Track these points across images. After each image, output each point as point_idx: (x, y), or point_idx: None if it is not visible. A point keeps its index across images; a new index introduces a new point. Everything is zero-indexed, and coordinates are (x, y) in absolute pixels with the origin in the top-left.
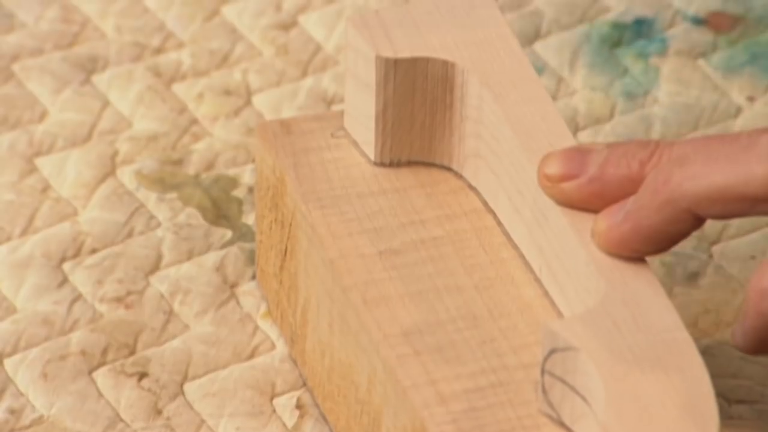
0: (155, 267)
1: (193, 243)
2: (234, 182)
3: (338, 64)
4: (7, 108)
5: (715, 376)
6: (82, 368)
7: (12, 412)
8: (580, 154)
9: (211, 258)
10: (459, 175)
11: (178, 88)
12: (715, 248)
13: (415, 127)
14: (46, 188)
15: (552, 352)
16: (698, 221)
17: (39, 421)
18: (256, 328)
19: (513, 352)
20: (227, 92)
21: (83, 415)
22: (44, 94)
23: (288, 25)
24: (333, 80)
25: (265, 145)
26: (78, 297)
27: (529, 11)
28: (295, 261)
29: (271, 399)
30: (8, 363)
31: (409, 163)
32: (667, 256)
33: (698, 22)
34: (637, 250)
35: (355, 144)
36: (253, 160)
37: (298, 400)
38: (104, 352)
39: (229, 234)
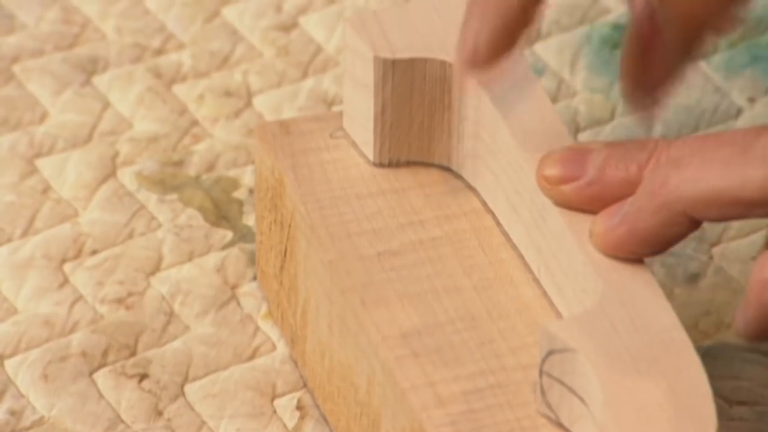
0: (156, 268)
1: (194, 244)
2: (235, 183)
3: (339, 65)
4: (8, 109)
5: (716, 377)
6: (83, 369)
7: (12, 413)
8: (578, 155)
9: (212, 259)
10: (458, 176)
11: (179, 89)
12: (716, 249)
13: (413, 128)
14: (46, 189)
15: (550, 353)
16: (695, 224)
17: (39, 422)
18: (257, 329)
19: (511, 353)
20: (228, 93)
21: (84, 417)
22: (45, 95)
23: (288, 27)
24: (333, 81)
25: (264, 146)
26: (79, 298)
27: None
28: (294, 262)
29: (272, 400)
30: (9, 364)
31: (408, 164)
32: (667, 258)
33: None
34: (634, 252)
35: (354, 145)
36: (254, 162)
37: (299, 401)
38: (105, 353)
39: (229, 235)
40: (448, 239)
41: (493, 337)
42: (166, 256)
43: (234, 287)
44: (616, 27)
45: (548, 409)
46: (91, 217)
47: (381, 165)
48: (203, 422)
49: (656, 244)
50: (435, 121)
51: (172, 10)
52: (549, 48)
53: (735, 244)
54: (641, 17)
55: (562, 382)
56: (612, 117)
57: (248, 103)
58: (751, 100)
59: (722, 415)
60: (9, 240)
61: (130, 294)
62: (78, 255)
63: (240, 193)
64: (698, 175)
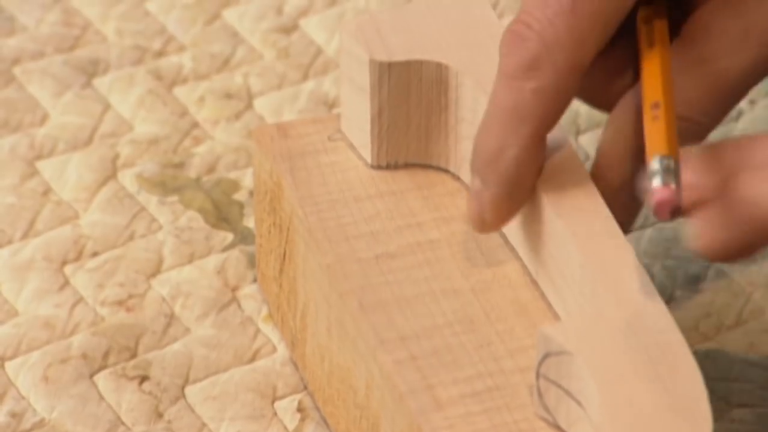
0: (156, 270)
1: (195, 246)
2: (235, 185)
3: (339, 68)
4: (8, 111)
5: (717, 379)
6: (83, 371)
7: (13, 415)
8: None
9: (213, 261)
10: (456, 177)
11: (179, 91)
12: None
13: (411, 130)
14: (47, 191)
15: (546, 356)
16: None
17: (40, 424)
18: (258, 331)
19: (510, 355)
20: (228, 95)
21: (84, 419)
22: (45, 97)
23: (289, 29)
24: (334, 83)
25: (261, 149)
26: (79, 300)
27: None
28: (293, 265)
29: (273, 402)
30: (9, 366)
31: (406, 166)
32: (667, 260)
33: None
34: (735, 258)
35: (352, 147)
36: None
37: (300, 403)
38: (105, 355)
39: (230, 237)
40: (445, 241)
41: (491, 340)
42: (167, 258)
43: (234, 289)
44: None
45: (546, 411)
46: (91, 219)
47: (379, 167)
48: (204, 424)
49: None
50: (432, 123)
51: (172, 13)
52: None
53: None
54: None
55: (559, 385)
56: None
57: (249, 105)
58: (752, 102)
59: (722, 418)
60: (9, 242)
61: (130, 296)
62: (78, 257)
63: (240, 195)
64: None
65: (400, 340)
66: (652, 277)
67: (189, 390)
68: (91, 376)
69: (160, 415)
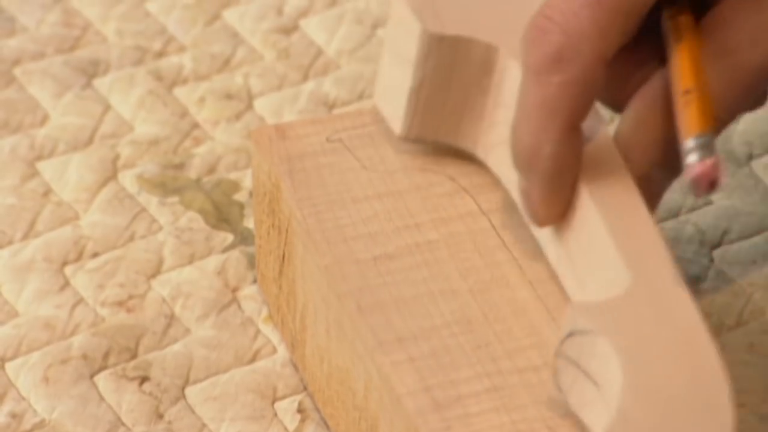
0: (157, 271)
1: (195, 247)
2: (235, 186)
3: (339, 68)
4: (9, 112)
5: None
6: (84, 372)
7: (13, 416)
8: None
9: (213, 262)
10: (452, 178)
11: (180, 92)
12: (716, 252)
13: (446, 108)
14: (47, 192)
15: (570, 334)
16: None
17: (40, 425)
18: (258, 332)
19: (508, 356)
20: (228, 96)
21: (84, 419)
22: (45, 98)
23: (289, 29)
24: (334, 84)
25: (260, 150)
26: (79, 301)
27: None
28: (292, 266)
29: (273, 403)
30: (10, 367)
31: (404, 169)
32: None
33: None
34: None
35: (350, 149)
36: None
37: (300, 404)
38: (106, 356)
39: (230, 238)
40: (444, 242)
41: (489, 341)
42: (167, 259)
43: (235, 290)
44: None
45: (559, 391)
46: (91, 220)
47: (406, 139)
48: (204, 425)
49: None
50: (469, 104)
51: (173, 13)
52: None
53: (735, 247)
54: None
55: (577, 365)
56: (612, 119)
57: (249, 106)
58: None
59: None
60: (10, 243)
61: (130, 297)
62: (79, 258)
63: (241, 196)
64: None
65: (398, 342)
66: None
67: (189, 391)
68: (92, 376)
69: (160, 416)
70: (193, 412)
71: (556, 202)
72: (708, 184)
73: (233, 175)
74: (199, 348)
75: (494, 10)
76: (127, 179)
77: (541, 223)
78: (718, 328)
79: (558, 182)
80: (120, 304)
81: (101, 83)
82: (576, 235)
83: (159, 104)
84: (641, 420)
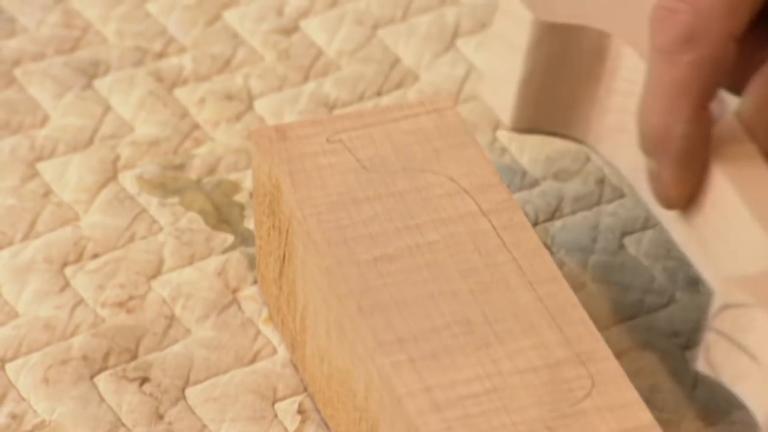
0: (157, 272)
1: (195, 248)
2: (236, 187)
3: (340, 69)
4: (9, 113)
5: (717, 381)
6: (84, 373)
7: (14, 417)
8: None
9: (213, 263)
10: (450, 180)
11: (180, 92)
12: None
13: (557, 97)
14: (47, 193)
15: (724, 308)
16: None
17: (40, 426)
18: (258, 332)
19: (508, 357)
20: (229, 97)
21: (85, 420)
22: (46, 98)
23: (289, 30)
24: (334, 85)
25: (260, 151)
26: (79, 302)
27: None
28: (293, 267)
29: (273, 404)
30: (10, 368)
31: (404, 170)
32: (669, 261)
33: None
34: None
35: (351, 149)
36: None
37: (300, 404)
38: (106, 356)
39: (230, 239)
40: (444, 243)
41: (490, 341)
42: (167, 260)
43: (235, 291)
44: None
45: (709, 367)
46: (92, 221)
47: (516, 130)
48: (204, 426)
49: None
50: (580, 92)
51: (173, 14)
52: None
53: None
54: None
55: (731, 339)
56: None
57: (249, 107)
58: None
59: (723, 419)
60: (10, 243)
61: (131, 297)
62: (79, 258)
63: (241, 197)
64: None
65: (399, 343)
66: (653, 278)
67: (189, 391)
68: (92, 377)
69: (160, 417)
70: (193, 412)
71: (688, 183)
72: None
73: (233, 176)
74: (199, 349)
75: (603, 1)
76: (128, 180)
77: (672, 205)
78: None
79: (690, 162)
80: (120, 304)
81: (101, 84)
82: (708, 215)
83: (159, 105)
84: None
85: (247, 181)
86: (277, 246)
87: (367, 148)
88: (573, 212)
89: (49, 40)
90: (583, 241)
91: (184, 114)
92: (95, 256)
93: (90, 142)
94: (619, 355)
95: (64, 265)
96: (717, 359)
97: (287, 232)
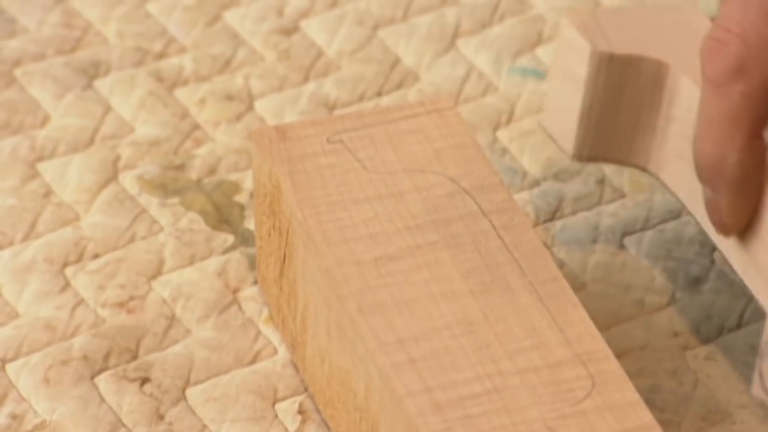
0: (157, 272)
1: (195, 248)
2: (236, 187)
3: (340, 69)
4: (9, 113)
5: (718, 381)
6: (84, 373)
7: (14, 417)
8: None
9: (213, 263)
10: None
11: (180, 93)
12: (717, 253)
13: (617, 126)
14: (48, 193)
15: None
16: None
17: (41, 426)
18: (258, 333)
19: (508, 357)
20: (229, 97)
21: (85, 420)
22: (46, 99)
23: (290, 31)
24: (335, 85)
25: (261, 151)
26: (80, 302)
27: (531, 16)
28: (293, 268)
29: (274, 404)
30: (10, 368)
31: (405, 170)
32: (669, 261)
33: None
34: None
35: (351, 150)
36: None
37: (300, 405)
38: (106, 357)
39: (231, 239)
40: (444, 243)
41: (490, 342)
42: (168, 260)
43: (235, 291)
44: None
45: (764, 393)
46: (92, 221)
47: (579, 159)
48: (205, 426)
49: None
50: (640, 121)
51: (173, 14)
52: (550, 52)
53: None
54: None
55: None
56: None
57: (249, 107)
58: None
59: (724, 420)
60: (11, 244)
61: (131, 298)
62: (79, 259)
63: (241, 197)
64: None
65: (399, 343)
66: (653, 278)
67: (190, 392)
68: (92, 377)
69: (161, 417)
70: (193, 413)
71: (744, 210)
72: None
73: (234, 176)
74: (199, 349)
75: (659, 28)
76: (128, 180)
77: (729, 232)
78: (719, 330)
79: (745, 190)
80: (121, 305)
81: (102, 84)
82: (765, 242)
83: (159, 105)
84: None
85: (248, 181)
86: (278, 246)
87: (367, 148)
88: (573, 212)
89: (49, 41)
90: (584, 241)
91: (185, 114)
92: (96, 256)
93: (90, 142)
94: (619, 355)
95: (65, 265)
96: None
97: (287, 232)
